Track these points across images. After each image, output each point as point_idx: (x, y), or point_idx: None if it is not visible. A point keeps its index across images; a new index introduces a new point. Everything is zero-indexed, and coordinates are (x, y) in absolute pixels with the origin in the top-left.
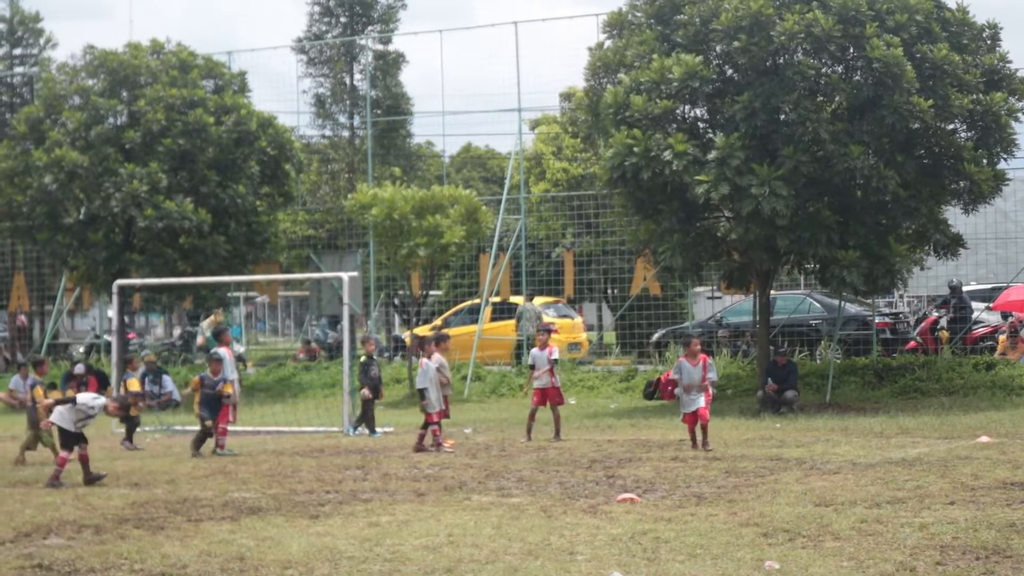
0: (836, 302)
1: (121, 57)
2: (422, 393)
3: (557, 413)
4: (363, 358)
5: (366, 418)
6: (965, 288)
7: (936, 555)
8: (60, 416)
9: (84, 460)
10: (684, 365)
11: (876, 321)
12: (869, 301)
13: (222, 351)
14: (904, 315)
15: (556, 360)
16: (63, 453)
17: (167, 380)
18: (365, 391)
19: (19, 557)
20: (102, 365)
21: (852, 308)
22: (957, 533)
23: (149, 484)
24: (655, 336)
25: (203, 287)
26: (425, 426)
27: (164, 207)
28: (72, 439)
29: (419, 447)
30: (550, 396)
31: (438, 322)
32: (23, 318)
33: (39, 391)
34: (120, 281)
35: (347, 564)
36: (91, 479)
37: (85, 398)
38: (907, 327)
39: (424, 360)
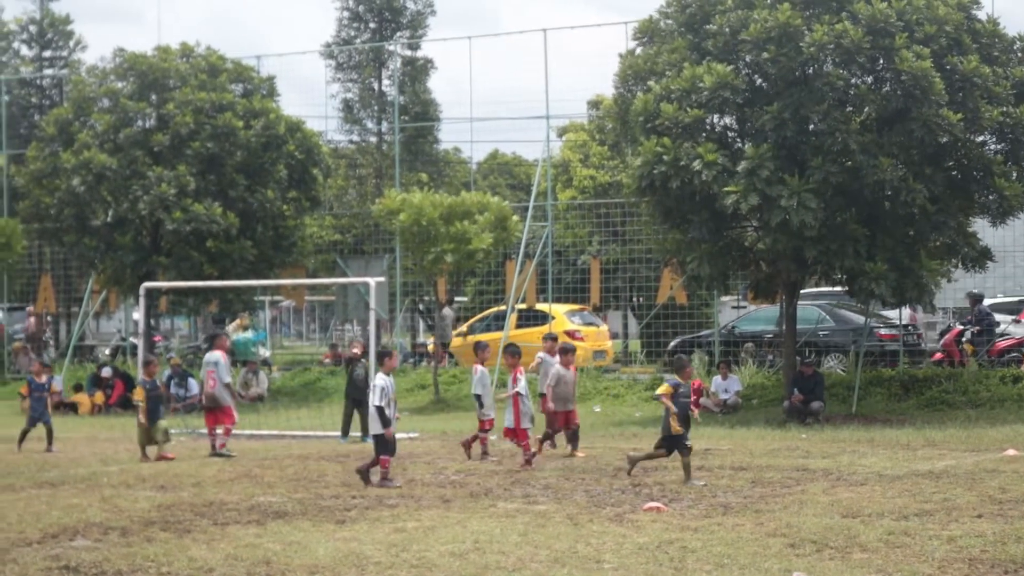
0: (846, 313)
1: (150, 60)
2: (479, 400)
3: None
4: (349, 360)
5: (345, 420)
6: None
7: (964, 568)
8: None
9: None
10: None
11: (881, 332)
12: (882, 312)
13: (215, 354)
14: (913, 327)
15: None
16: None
17: (192, 383)
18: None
19: (46, 558)
20: (128, 368)
21: (858, 319)
22: (985, 546)
23: (175, 487)
24: (671, 344)
25: (229, 291)
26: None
27: (192, 210)
28: None
29: (467, 450)
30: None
31: (464, 328)
32: (31, 321)
33: (140, 391)
34: (147, 284)
35: (374, 569)
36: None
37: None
38: (916, 339)
39: (478, 366)
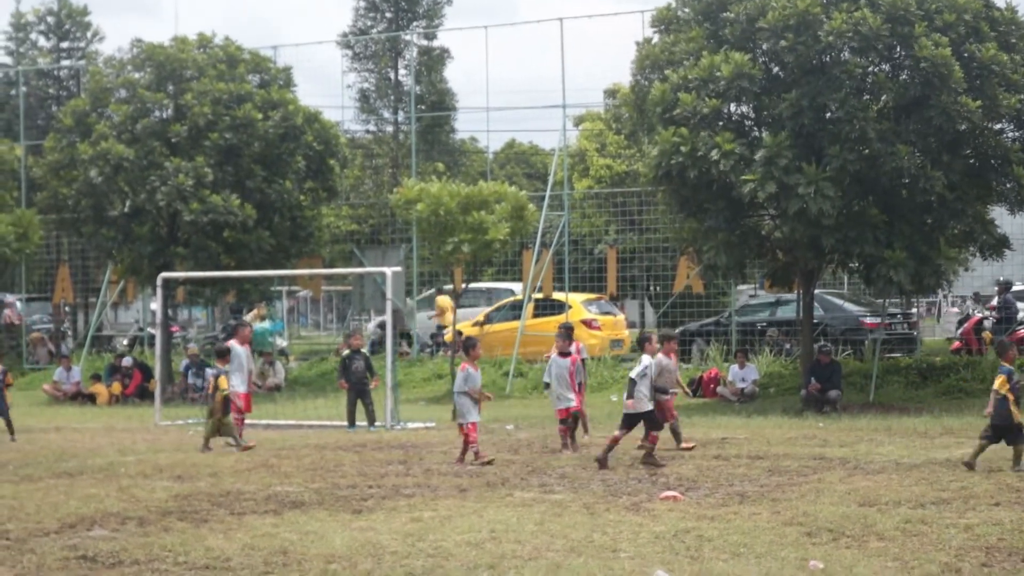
0: (834, 300)
1: (168, 51)
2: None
3: (583, 410)
4: (346, 352)
5: (349, 411)
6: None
7: (981, 556)
8: None
9: None
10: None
11: (867, 322)
12: (881, 301)
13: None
14: (909, 316)
15: (584, 359)
16: None
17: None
18: (341, 384)
19: (64, 548)
20: (145, 358)
21: (851, 308)
22: (1003, 534)
23: (192, 477)
24: (679, 330)
25: (246, 281)
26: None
27: (209, 201)
28: None
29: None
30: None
31: (480, 318)
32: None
33: (223, 380)
34: (164, 274)
35: (390, 559)
36: None
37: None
38: (907, 328)
39: (553, 354)
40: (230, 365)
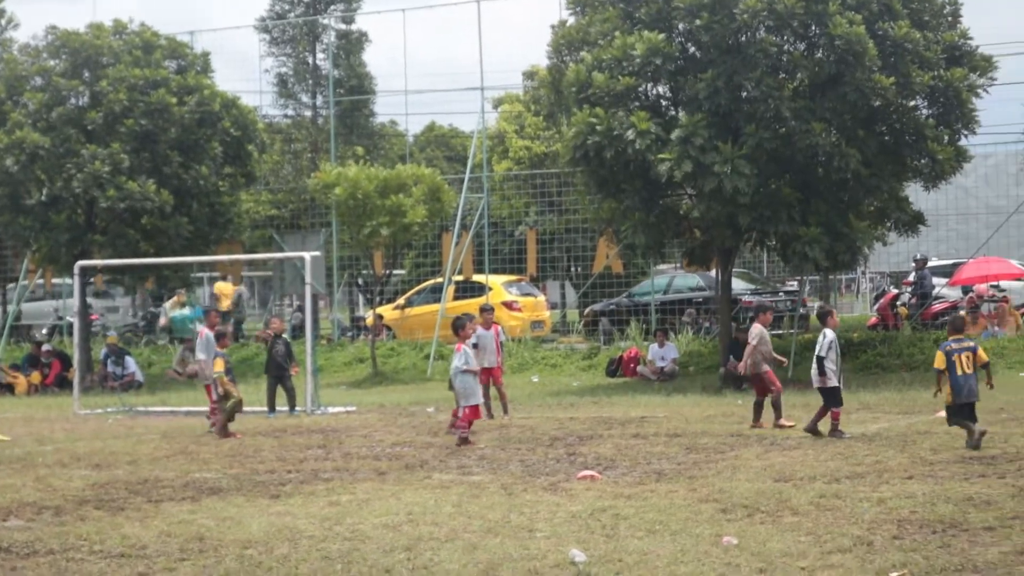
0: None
1: (83, 38)
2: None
3: (502, 391)
4: (271, 335)
5: (269, 396)
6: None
7: (893, 529)
8: None
9: None
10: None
11: (744, 300)
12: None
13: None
14: (795, 294)
15: (502, 342)
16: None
17: (130, 361)
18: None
19: None
20: (64, 346)
21: (736, 286)
22: (915, 507)
23: (110, 465)
24: (586, 310)
25: (165, 268)
26: None
27: (126, 188)
28: None
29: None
30: (494, 375)
31: (401, 301)
32: None
33: (219, 363)
34: (82, 262)
35: (307, 543)
36: None
37: None
38: (789, 306)
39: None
40: (203, 350)
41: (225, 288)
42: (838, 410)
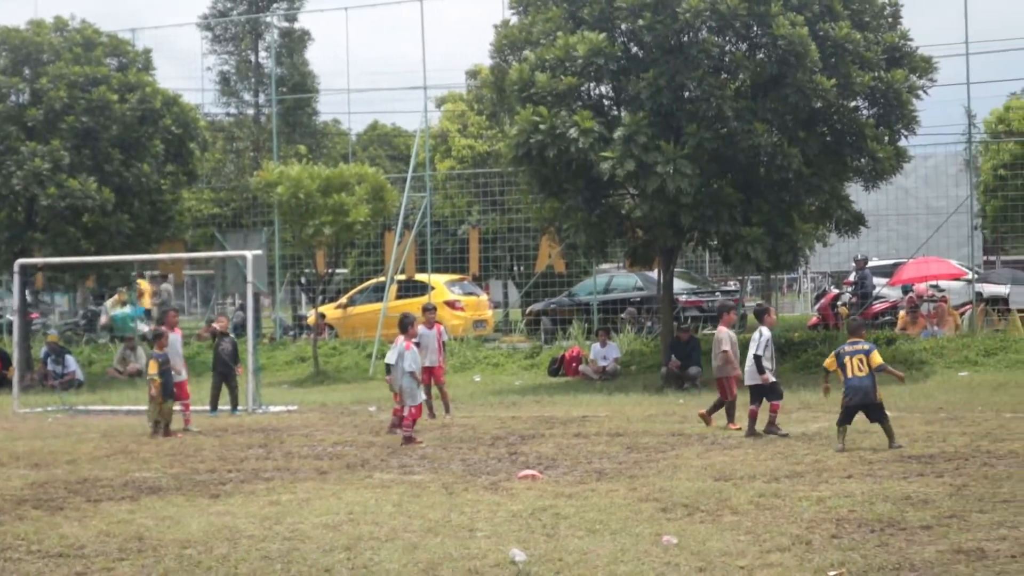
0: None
1: (23, 34)
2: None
3: (444, 390)
4: (216, 333)
5: (213, 394)
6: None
7: (832, 528)
8: None
9: None
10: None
11: (683, 299)
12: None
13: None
14: (732, 293)
15: (444, 341)
16: None
17: (70, 360)
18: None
19: None
20: (4, 345)
21: (678, 285)
22: (853, 506)
23: (49, 464)
24: (527, 310)
25: (106, 266)
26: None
27: (67, 185)
28: None
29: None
30: (436, 374)
31: (343, 300)
32: None
33: (153, 365)
34: (21, 260)
35: (246, 543)
36: None
37: None
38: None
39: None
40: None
41: (144, 286)
42: (778, 403)
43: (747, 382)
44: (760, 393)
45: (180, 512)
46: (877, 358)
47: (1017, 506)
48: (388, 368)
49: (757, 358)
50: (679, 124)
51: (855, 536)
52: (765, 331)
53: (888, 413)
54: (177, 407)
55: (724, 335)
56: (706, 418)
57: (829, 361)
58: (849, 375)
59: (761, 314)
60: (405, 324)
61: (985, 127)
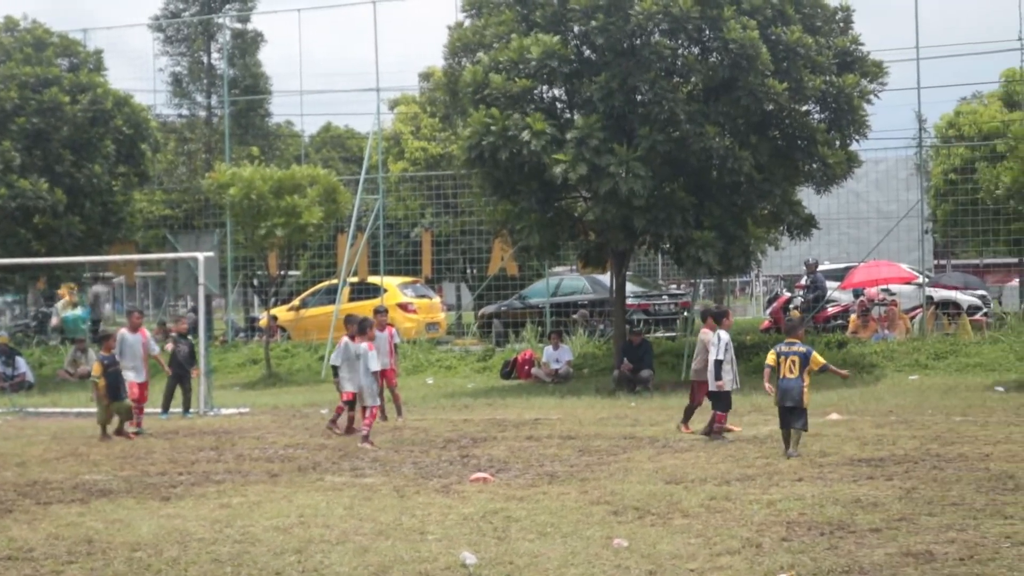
0: (606, 282)
1: None
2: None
3: (396, 393)
4: (172, 336)
5: (167, 396)
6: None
7: (782, 531)
8: None
9: None
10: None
11: (629, 303)
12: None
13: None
14: (678, 297)
15: (396, 344)
16: None
17: (20, 361)
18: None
19: None
20: None
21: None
22: (803, 509)
23: None
24: (480, 312)
25: (57, 267)
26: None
27: (17, 186)
28: None
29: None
30: (388, 377)
31: (296, 302)
32: None
33: (97, 367)
34: None
35: (196, 546)
36: None
37: None
38: (673, 310)
39: (346, 338)
40: (119, 354)
41: (64, 291)
42: (724, 415)
43: (708, 387)
44: (713, 398)
45: (130, 515)
46: (819, 359)
47: (966, 509)
48: (335, 370)
49: (718, 363)
50: (632, 127)
51: (805, 539)
52: (723, 335)
53: (837, 416)
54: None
55: (711, 338)
56: (683, 427)
57: (771, 357)
58: (780, 376)
59: (720, 317)
60: (365, 326)
61: (935, 132)
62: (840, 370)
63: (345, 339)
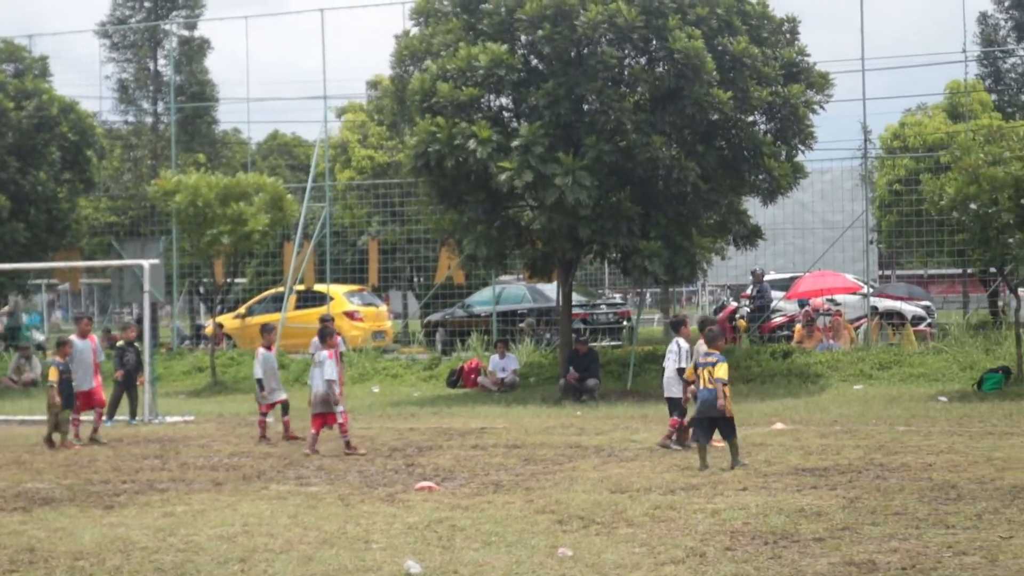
0: (548, 292)
1: None
2: (259, 383)
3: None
4: (120, 344)
5: (113, 403)
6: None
7: (726, 540)
8: None
9: None
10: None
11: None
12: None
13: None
14: (617, 306)
15: (343, 352)
16: None
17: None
18: (118, 374)
19: None
20: None
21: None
22: (748, 519)
23: None
24: (426, 319)
25: (2, 274)
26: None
27: None
28: None
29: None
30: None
31: (242, 310)
32: None
33: (52, 372)
34: None
35: (139, 555)
36: None
37: None
38: (612, 319)
39: (261, 349)
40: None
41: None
42: (681, 420)
43: (666, 394)
44: (674, 406)
45: (73, 523)
46: (719, 371)
47: (908, 519)
48: (260, 384)
49: (680, 371)
50: (578, 136)
51: (749, 548)
52: (682, 343)
53: (782, 426)
54: (89, 416)
55: (672, 347)
56: (682, 444)
57: (689, 371)
58: (700, 386)
59: (678, 325)
60: (325, 334)
61: (880, 143)
62: (727, 402)
63: (261, 349)
